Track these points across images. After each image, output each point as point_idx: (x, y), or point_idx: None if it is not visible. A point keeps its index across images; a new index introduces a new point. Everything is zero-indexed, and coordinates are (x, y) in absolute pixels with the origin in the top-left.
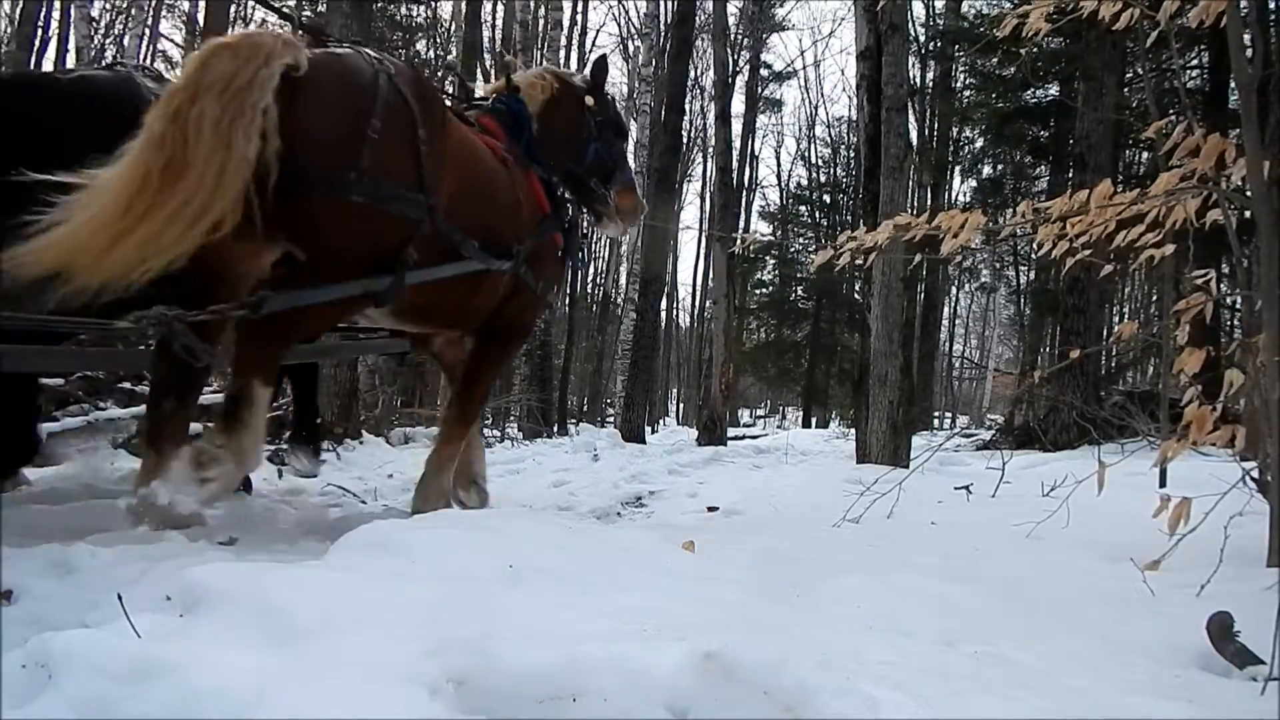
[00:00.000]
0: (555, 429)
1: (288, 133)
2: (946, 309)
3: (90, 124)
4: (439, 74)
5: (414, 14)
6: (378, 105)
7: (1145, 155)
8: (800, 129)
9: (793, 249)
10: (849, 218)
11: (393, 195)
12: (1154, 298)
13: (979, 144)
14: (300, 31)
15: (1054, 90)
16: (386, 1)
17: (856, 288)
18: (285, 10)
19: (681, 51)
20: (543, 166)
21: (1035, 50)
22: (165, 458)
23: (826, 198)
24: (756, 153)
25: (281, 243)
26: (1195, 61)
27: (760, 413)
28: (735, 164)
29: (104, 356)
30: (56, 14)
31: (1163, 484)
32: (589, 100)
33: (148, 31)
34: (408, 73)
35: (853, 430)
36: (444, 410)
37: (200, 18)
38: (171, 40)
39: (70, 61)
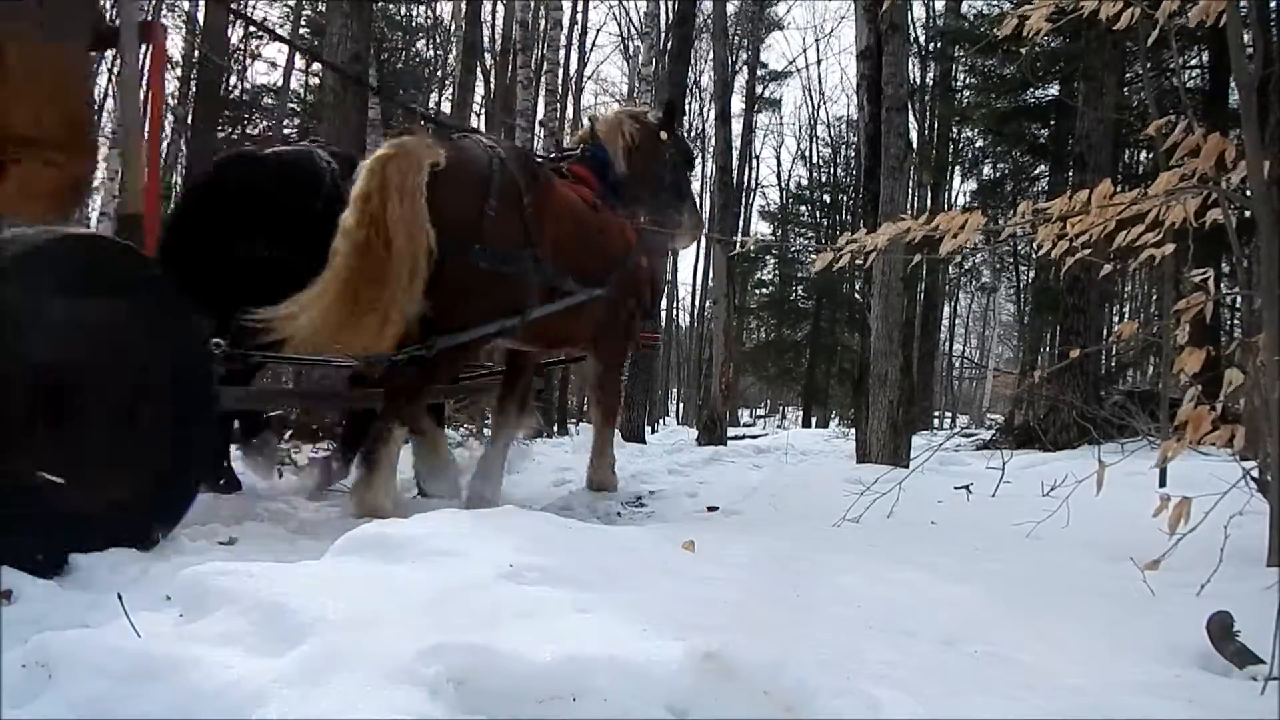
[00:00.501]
0: (555, 429)
1: (433, 216)
2: (946, 309)
3: (290, 191)
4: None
5: (414, 14)
6: (493, 186)
7: (1146, 155)
8: (800, 129)
9: (793, 249)
10: (849, 217)
11: (509, 256)
12: (1154, 297)
13: (979, 144)
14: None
15: (1054, 90)
16: (387, 1)
17: (856, 287)
18: (299, 42)
19: (681, 51)
20: (626, 203)
21: (1036, 50)
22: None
23: (827, 197)
24: (757, 153)
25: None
26: (1195, 61)
27: (760, 412)
28: (735, 163)
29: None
30: None
31: (1163, 483)
32: (663, 135)
33: None
34: (514, 151)
35: (853, 430)
36: (593, 414)
37: (200, 17)
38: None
39: None
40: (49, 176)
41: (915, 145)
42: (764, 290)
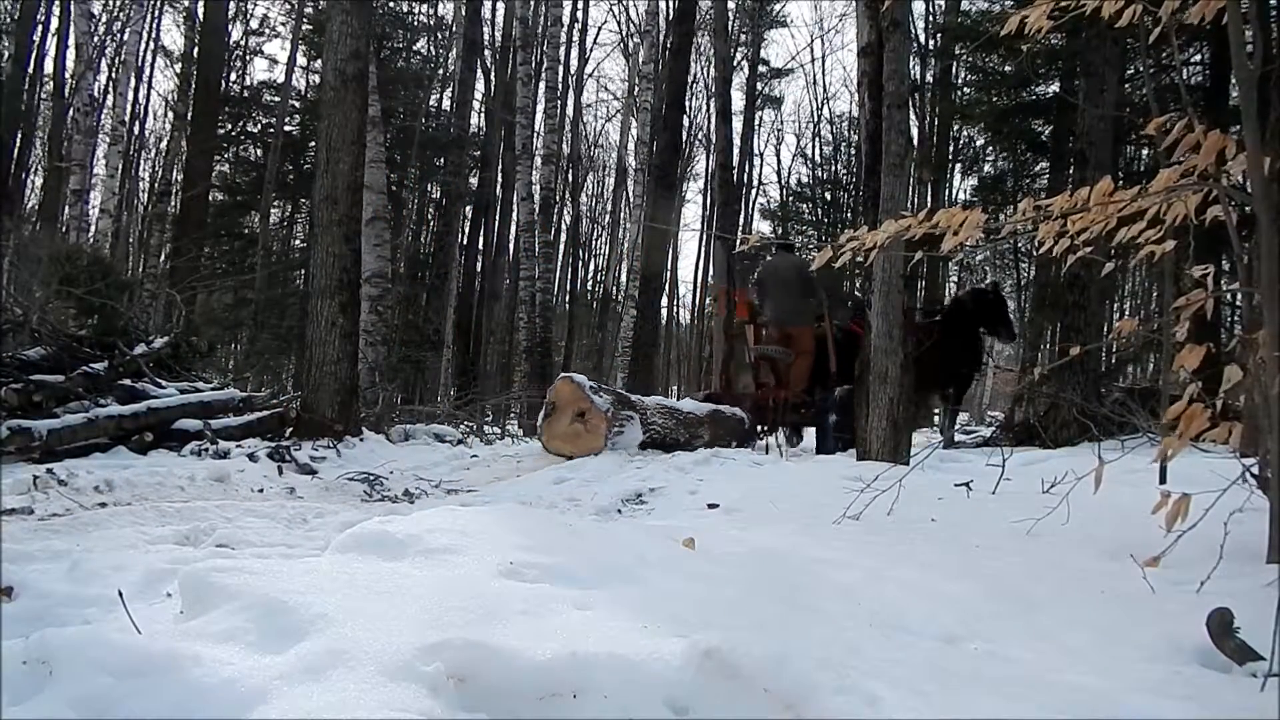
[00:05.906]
0: None
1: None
2: None
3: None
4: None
5: (415, 12)
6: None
7: (1146, 152)
8: (801, 126)
9: (793, 247)
10: (849, 215)
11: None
12: (1155, 294)
13: (980, 141)
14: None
15: (1054, 87)
16: None
17: (857, 284)
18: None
19: (682, 48)
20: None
21: (1036, 47)
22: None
23: (827, 195)
24: (760, 150)
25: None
26: (1196, 57)
27: None
28: (736, 161)
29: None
30: (57, 9)
31: (1163, 480)
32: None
33: (147, 28)
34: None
35: None
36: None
37: (200, 13)
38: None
39: (69, 59)
40: None
41: (916, 142)
42: None
